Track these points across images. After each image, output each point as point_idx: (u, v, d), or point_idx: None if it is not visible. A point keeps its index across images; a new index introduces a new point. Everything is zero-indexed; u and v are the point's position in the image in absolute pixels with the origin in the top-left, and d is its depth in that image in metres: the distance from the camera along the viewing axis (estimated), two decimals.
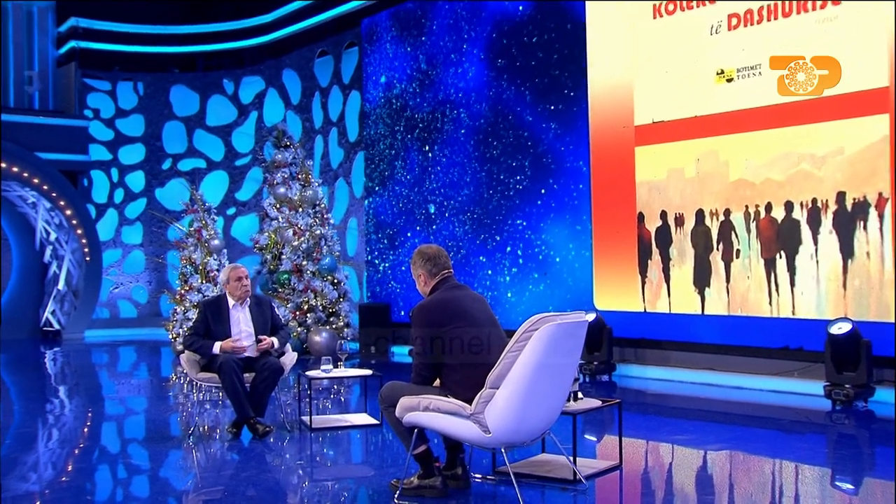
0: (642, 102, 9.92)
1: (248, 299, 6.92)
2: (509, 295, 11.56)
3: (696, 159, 9.39)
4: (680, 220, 9.57)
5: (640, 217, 9.95)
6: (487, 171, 11.91)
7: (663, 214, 9.73)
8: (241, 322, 6.83)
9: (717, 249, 9.20)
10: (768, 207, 8.75)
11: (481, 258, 11.97)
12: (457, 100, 12.43)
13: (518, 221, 11.45)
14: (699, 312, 9.38)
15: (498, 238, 11.77)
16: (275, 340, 6.85)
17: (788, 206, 8.57)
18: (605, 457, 5.95)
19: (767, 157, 8.74)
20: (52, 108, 17.51)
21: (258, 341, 6.79)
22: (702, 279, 9.36)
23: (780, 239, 8.66)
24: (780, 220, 8.66)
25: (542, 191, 11.10)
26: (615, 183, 10.21)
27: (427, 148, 12.97)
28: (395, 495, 4.80)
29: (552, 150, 11.00)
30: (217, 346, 6.67)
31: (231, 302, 6.87)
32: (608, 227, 10.31)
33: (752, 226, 8.88)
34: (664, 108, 9.69)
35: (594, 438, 6.76)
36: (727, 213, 9.10)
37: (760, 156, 8.79)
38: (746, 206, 8.93)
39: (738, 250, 9.02)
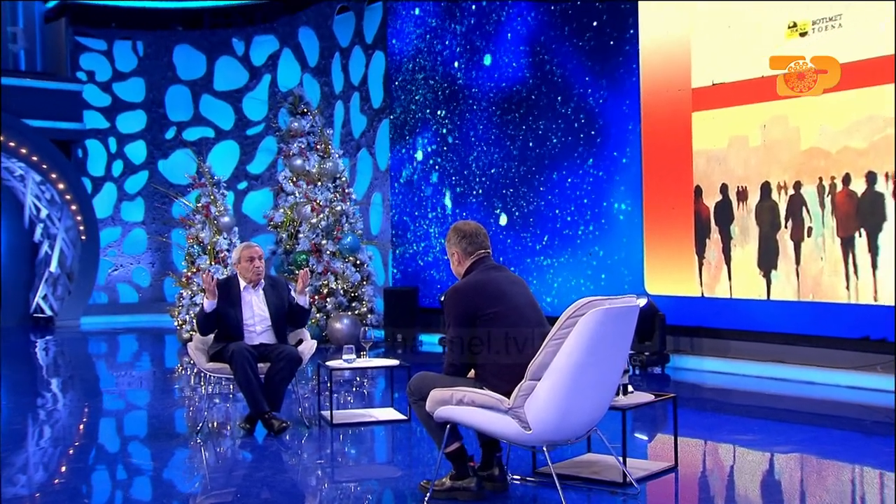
0: (700, 62, 9.83)
1: (261, 282, 6.97)
2: (549, 276, 11.55)
3: (761, 126, 9.30)
4: (743, 195, 9.49)
5: (698, 191, 9.89)
6: (526, 139, 11.87)
7: (724, 188, 9.66)
8: (255, 305, 6.88)
9: (786, 227, 9.13)
10: (846, 179, 8.65)
11: (521, 234, 11.96)
12: (493, 60, 12.39)
13: (561, 194, 11.41)
14: (764, 298, 9.33)
15: (538, 213, 11.74)
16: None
17: (871, 178, 8.47)
18: (657, 457, 5.94)
19: (846, 121, 8.63)
20: (41, 70, 17.58)
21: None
22: (767, 261, 9.29)
23: (860, 215, 8.57)
24: (860, 194, 8.56)
25: (589, 161, 11.05)
26: (669, 153, 10.14)
27: (459, 114, 12.95)
28: (425, 498, 4.82)
29: (599, 116, 10.94)
30: (206, 302, 6.70)
31: (242, 284, 6.93)
32: (661, 201, 10.25)
33: (827, 200, 8.79)
34: (726, 67, 9.59)
35: (645, 437, 6.76)
36: (797, 185, 9.01)
37: (838, 121, 8.69)
38: (820, 178, 8.84)
39: (809, 228, 8.94)
